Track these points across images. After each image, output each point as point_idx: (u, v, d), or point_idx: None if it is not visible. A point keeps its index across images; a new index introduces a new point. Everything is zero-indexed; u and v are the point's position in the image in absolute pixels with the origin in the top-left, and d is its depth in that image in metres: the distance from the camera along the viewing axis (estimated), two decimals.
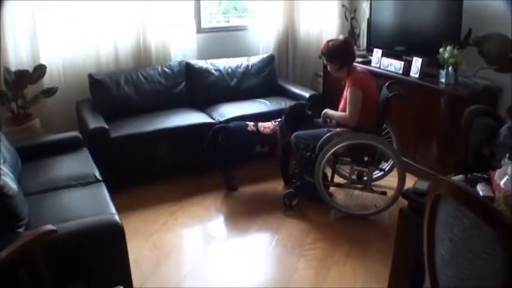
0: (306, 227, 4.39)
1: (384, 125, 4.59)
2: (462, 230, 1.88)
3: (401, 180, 4.29)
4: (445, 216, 2.00)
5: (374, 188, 4.57)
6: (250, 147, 4.92)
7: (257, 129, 4.89)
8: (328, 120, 4.54)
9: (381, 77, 5.29)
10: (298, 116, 4.89)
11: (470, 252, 1.87)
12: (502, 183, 2.21)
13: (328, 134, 4.36)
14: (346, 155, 4.48)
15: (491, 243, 1.76)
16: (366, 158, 4.46)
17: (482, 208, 1.78)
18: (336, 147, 4.27)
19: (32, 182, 3.64)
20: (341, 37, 4.67)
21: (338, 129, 4.40)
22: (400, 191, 4.22)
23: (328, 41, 4.48)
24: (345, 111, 4.31)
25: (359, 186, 4.60)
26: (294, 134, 4.63)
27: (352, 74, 4.37)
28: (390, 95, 4.18)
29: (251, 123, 4.94)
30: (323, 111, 4.58)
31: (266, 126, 4.95)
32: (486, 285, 1.83)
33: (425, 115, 4.95)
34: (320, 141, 4.35)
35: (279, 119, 5.00)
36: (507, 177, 2.20)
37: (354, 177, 4.56)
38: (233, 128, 4.89)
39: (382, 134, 4.61)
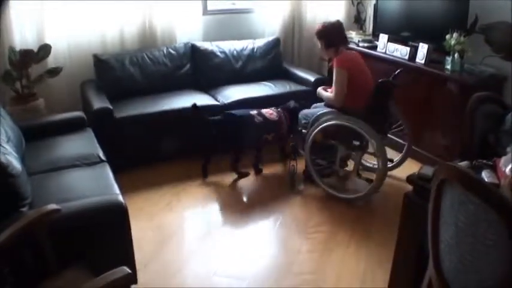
0: (309, 210, 4.41)
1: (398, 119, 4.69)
2: (467, 216, 1.89)
3: (383, 166, 4.27)
4: (450, 201, 2.00)
5: (362, 174, 4.65)
6: (258, 137, 4.87)
7: (263, 117, 4.84)
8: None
9: (386, 62, 5.31)
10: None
11: (474, 238, 1.88)
12: (507, 170, 2.21)
13: (317, 114, 4.47)
14: (334, 137, 4.48)
15: (496, 229, 1.77)
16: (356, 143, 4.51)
17: (488, 194, 1.79)
18: (320, 127, 4.36)
19: (36, 161, 3.64)
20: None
21: (326, 110, 4.50)
22: (381, 179, 4.30)
23: (323, 22, 4.59)
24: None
25: (346, 170, 4.68)
26: (302, 111, 4.75)
27: (339, 55, 4.42)
28: (380, 80, 4.22)
29: (254, 112, 4.84)
30: (317, 90, 4.71)
31: (270, 112, 4.92)
32: (490, 270, 1.84)
33: (430, 101, 4.93)
34: (310, 120, 4.49)
35: (277, 108, 5.04)
36: None
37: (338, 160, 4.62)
38: (241, 122, 4.76)
39: (395, 125, 4.73)
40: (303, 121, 4.64)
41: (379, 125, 4.38)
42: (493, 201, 1.76)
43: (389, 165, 4.80)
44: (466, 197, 1.88)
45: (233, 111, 4.82)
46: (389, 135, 4.82)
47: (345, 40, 4.58)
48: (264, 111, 4.90)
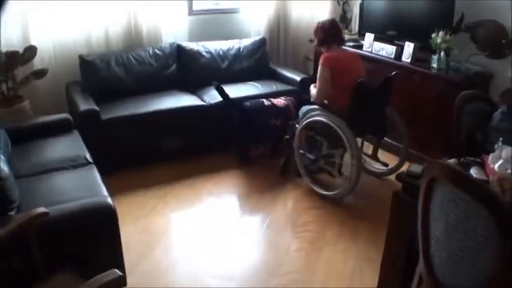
0: (296, 210, 4.42)
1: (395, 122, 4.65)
2: (458, 213, 1.91)
3: (356, 168, 4.25)
4: (440, 198, 2.01)
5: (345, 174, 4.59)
6: (266, 120, 4.99)
7: (272, 103, 5.02)
8: None
9: (373, 61, 5.32)
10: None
11: (465, 234, 1.89)
12: (496, 166, 2.22)
13: (306, 110, 4.61)
14: (319, 134, 4.57)
15: (486, 226, 1.78)
16: None
17: (478, 191, 1.81)
18: (303, 123, 4.54)
19: (23, 164, 3.60)
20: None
21: (315, 106, 4.60)
22: (356, 179, 4.29)
23: (319, 21, 4.73)
24: None
25: (329, 168, 4.67)
26: (302, 107, 4.85)
27: (327, 53, 4.49)
28: (359, 80, 4.20)
29: (265, 99, 5.07)
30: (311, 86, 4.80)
31: (279, 100, 5.09)
32: (480, 266, 1.86)
33: (417, 99, 4.94)
34: (301, 116, 4.65)
35: (288, 97, 5.25)
36: (501, 160, 2.21)
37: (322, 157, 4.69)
38: (252, 106, 5.03)
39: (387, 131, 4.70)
40: (300, 115, 4.74)
41: (362, 125, 4.40)
42: (484, 197, 1.78)
43: (385, 169, 4.84)
44: (456, 194, 1.90)
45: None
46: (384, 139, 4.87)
47: (337, 39, 4.61)
48: (273, 99, 5.10)
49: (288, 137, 4.86)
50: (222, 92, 5.08)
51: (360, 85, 4.19)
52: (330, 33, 4.53)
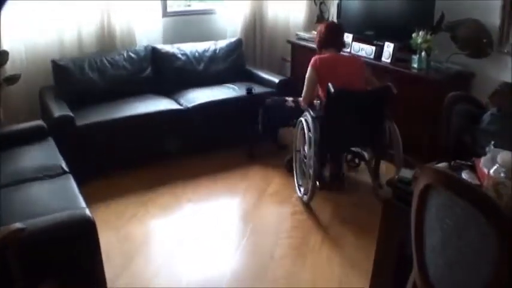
0: (280, 215, 4.38)
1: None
2: (454, 219, 1.87)
3: (312, 177, 4.20)
4: (435, 205, 1.98)
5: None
6: (286, 120, 4.98)
7: (296, 105, 4.79)
8: None
9: None
10: None
11: (462, 241, 1.86)
12: (491, 171, 2.17)
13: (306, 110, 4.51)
14: None
15: (484, 231, 1.75)
16: None
17: (476, 196, 1.77)
18: (298, 122, 4.53)
19: None
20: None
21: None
22: (312, 191, 4.26)
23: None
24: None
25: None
26: None
27: (317, 55, 4.46)
28: (329, 84, 4.05)
29: (290, 99, 4.92)
30: None
31: None
32: (479, 272, 1.82)
33: (398, 100, 4.89)
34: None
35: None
36: (497, 165, 2.15)
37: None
38: (271, 105, 5.05)
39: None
40: None
41: (339, 136, 4.29)
42: (481, 202, 1.75)
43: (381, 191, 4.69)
44: (451, 201, 1.86)
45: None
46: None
47: (335, 43, 4.52)
48: (300, 98, 4.83)
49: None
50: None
51: (335, 92, 4.04)
52: (327, 36, 4.49)
